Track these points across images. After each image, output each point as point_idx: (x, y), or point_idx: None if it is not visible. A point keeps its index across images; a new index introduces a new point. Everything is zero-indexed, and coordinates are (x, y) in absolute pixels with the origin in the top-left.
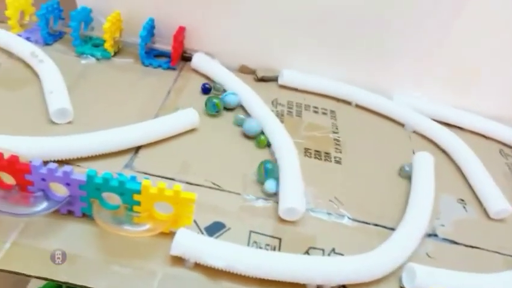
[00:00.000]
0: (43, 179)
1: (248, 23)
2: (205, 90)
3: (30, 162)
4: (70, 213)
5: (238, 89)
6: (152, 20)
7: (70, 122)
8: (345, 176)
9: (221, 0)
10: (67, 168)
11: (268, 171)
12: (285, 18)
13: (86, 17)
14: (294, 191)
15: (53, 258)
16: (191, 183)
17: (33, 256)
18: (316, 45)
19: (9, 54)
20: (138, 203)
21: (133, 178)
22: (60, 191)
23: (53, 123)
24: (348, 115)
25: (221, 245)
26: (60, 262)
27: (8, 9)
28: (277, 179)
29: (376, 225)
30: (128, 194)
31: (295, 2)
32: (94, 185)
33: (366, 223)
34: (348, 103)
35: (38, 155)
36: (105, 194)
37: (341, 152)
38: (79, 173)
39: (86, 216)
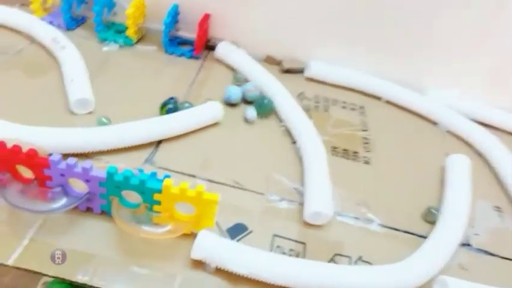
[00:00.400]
0: (62, 175)
1: (276, 11)
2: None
3: (50, 155)
4: (89, 209)
5: (263, 80)
6: (177, 6)
7: (90, 112)
8: (374, 178)
9: None
10: (86, 164)
11: (260, 105)
12: (314, 7)
13: (109, 2)
14: (321, 193)
15: (53, 258)
16: (213, 181)
17: (49, 254)
18: (346, 36)
19: (32, 39)
20: (159, 203)
21: (154, 174)
22: (79, 186)
23: (73, 113)
24: (378, 111)
25: (244, 250)
26: (60, 262)
27: None
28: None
29: (406, 232)
30: (149, 193)
31: None
32: (114, 182)
33: (396, 229)
34: (378, 98)
35: (57, 147)
36: (125, 192)
37: (370, 152)
38: (99, 168)
39: (106, 213)
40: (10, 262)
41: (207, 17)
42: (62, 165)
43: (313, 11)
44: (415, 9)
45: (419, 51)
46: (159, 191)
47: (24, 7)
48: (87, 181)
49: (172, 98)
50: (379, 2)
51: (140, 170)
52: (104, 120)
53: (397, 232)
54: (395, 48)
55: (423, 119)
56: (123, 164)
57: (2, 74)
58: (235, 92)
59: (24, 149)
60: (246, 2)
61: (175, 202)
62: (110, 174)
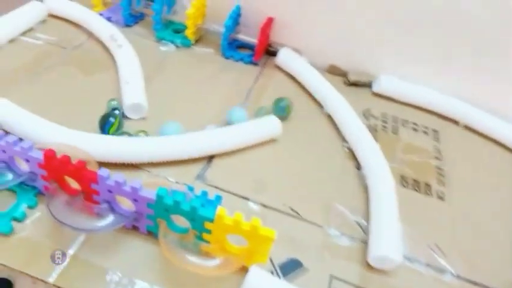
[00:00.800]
0: (110, 191)
1: (346, 17)
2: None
3: (99, 168)
4: (135, 228)
5: (325, 92)
6: (239, 8)
7: (143, 118)
8: (449, 217)
9: None
10: (135, 183)
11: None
12: (389, 15)
13: (170, 0)
14: (389, 235)
15: (53, 258)
16: (267, 206)
17: (91, 274)
18: (423, 49)
19: (90, 34)
20: (209, 232)
21: (205, 194)
22: (126, 203)
23: (126, 117)
24: (455, 138)
25: None
26: (60, 262)
27: None
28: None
29: (488, 287)
30: (200, 221)
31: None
32: (163, 205)
33: (475, 284)
34: (455, 122)
35: (107, 155)
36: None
37: (444, 185)
38: (148, 186)
39: (152, 234)
40: (51, 280)
41: (270, 21)
42: (111, 181)
43: (388, 19)
44: (504, 26)
45: (506, 72)
46: (211, 220)
47: (83, 0)
48: (135, 200)
49: (115, 109)
50: (461, 19)
51: (190, 188)
52: (114, 103)
53: (476, 287)
54: (477, 68)
55: (508, 149)
56: (173, 179)
57: (59, 70)
58: (238, 114)
59: (73, 159)
60: (313, 7)
61: (227, 233)
62: (160, 197)
